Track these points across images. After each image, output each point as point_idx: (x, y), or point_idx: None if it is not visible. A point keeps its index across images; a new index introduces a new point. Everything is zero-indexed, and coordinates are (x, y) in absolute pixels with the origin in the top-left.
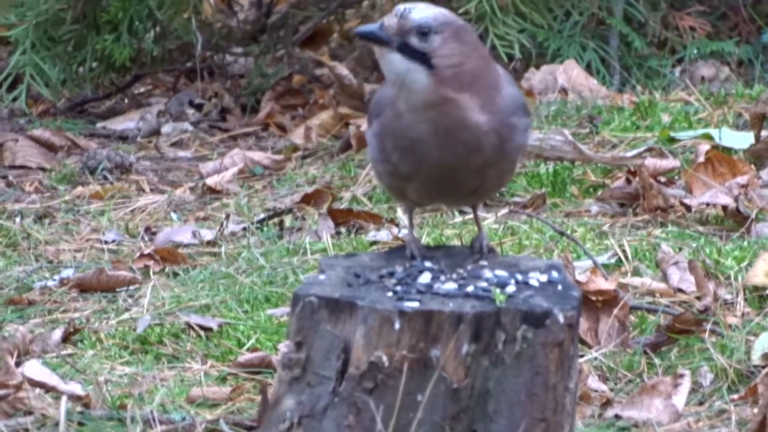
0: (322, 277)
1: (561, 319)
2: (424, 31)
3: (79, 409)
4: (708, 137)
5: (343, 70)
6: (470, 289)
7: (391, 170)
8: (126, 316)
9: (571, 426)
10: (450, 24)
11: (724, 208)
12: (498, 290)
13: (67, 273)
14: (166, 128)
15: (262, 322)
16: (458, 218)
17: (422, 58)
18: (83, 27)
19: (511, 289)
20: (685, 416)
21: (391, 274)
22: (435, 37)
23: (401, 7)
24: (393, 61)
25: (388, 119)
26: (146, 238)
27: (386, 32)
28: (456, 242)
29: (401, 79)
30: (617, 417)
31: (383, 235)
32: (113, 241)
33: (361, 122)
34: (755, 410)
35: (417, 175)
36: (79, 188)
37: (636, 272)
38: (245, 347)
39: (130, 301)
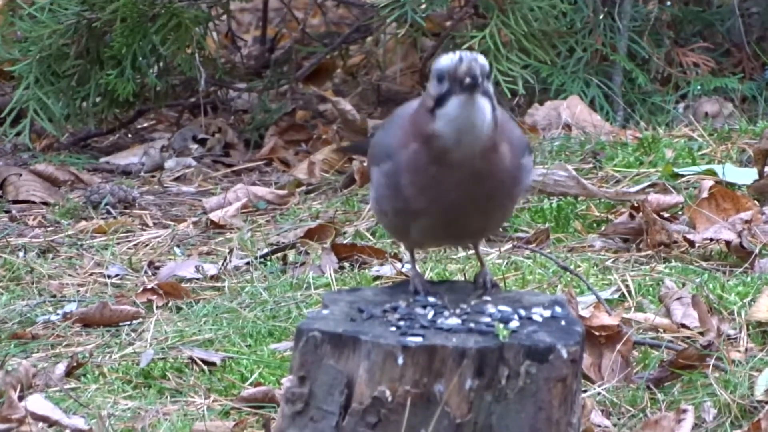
0: (325, 311)
1: (564, 354)
2: (488, 76)
3: None
4: (712, 173)
5: (346, 105)
6: (473, 324)
7: (399, 208)
8: (129, 350)
9: None
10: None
11: (728, 243)
12: (501, 325)
13: (71, 307)
14: (169, 163)
15: (265, 357)
16: (462, 253)
17: (492, 103)
18: (87, 62)
19: (514, 324)
20: None
21: (395, 309)
22: (490, 83)
23: (467, 53)
24: (480, 106)
25: (408, 159)
26: (149, 273)
27: (478, 75)
28: (459, 277)
29: (475, 124)
30: None
31: (387, 270)
32: (116, 276)
33: (364, 158)
34: None
35: (428, 215)
36: (83, 223)
37: (639, 307)
38: (248, 382)
39: (133, 335)
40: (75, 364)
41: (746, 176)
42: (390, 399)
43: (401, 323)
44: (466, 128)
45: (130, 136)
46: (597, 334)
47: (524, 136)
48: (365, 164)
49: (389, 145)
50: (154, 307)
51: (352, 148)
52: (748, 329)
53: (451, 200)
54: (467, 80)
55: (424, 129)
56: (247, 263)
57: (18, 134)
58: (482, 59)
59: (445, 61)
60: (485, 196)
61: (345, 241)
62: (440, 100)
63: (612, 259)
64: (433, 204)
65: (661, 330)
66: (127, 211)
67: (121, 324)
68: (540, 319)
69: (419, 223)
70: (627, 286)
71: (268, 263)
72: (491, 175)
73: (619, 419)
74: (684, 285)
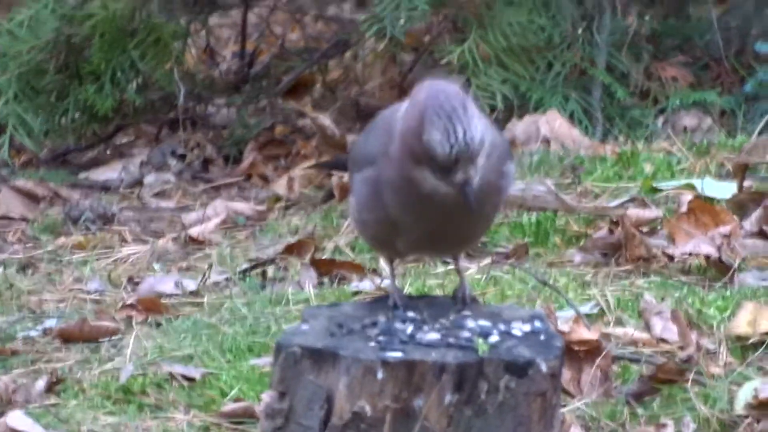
0: (304, 327)
1: (544, 368)
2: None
3: None
4: (691, 187)
5: (325, 120)
6: (453, 339)
7: (380, 218)
8: (109, 365)
9: None
10: (486, 140)
11: (707, 257)
12: (481, 340)
13: (50, 323)
14: (148, 178)
15: (245, 372)
16: (441, 268)
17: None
18: (66, 77)
19: (493, 338)
20: None
21: (374, 324)
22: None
23: (462, 142)
24: (470, 186)
25: (393, 174)
26: (129, 288)
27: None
28: (439, 292)
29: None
30: None
31: (366, 285)
32: (96, 291)
33: (343, 172)
34: None
35: (411, 227)
36: (62, 238)
37: (619, 322)
38: (228, 397)
39: (113, 351)
40: (55, 380)
41: (725, 190)
42: (370, 414)
43: (381, 338)
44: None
45: (109, 151)
46: (576, 348)
47: (506, 142)
48: (344, 179)
49: (372, 151)
50: (134, 323)
51: (330, 163)
52: (727, 343)
53: (436, 213)
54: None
55: (410, 170)
56: (227, 279)
57: None
58: (476, 143)
59: (441, 136)
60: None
61: (324, 257)
62: (443, 171)
63: (591, 274)
64: (416, 220)
65: (641, 344)
66: (107, 226)
67: (101, 339)
68: (519, 334)
69: (401, 234)
70: (606, 301)
71: (248, 279)
72: (485, 192)
73: None
74: (663, 299)
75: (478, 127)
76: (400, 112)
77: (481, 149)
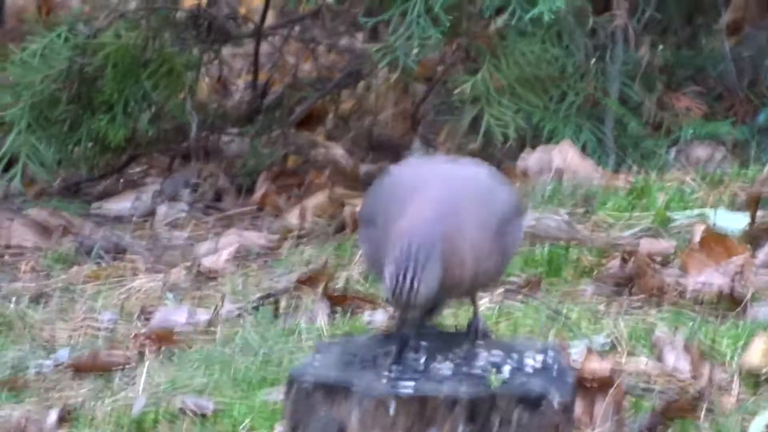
0: (317, 359)
1: (556, 402)
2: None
3: None
4: (704, 218)
5: (338, 151)
6: (465, 371)
7: (381, 274)
8: (121, 397)
9: None
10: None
11: (720, 289)
12: (493, 373)
13: (63, 354)
14: (161, 209)
15: (257, 405)
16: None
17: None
18: (78, 108)
19: (506, 371)
20: None
21: (387, 356)
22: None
23: (407, 285)
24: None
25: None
26: (141, 320)
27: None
28: (452, 324)
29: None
30: None
31: (379, 317)
32: (108, 322)
33: (356, 202)
34: None
35: None
36: (75, 269)
37: (631, 354)
38: (240, 429)
39: (125, 382)
40: (67, 412)
41: (738, 221)
42: None
43: (393, 370)
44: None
45: (121, 181)
46: (589, 381)
47: (512, 198)
48: (357, 209)
49: (374, 213)
50: (146, 354)
51: None
52: (740, 376)
53: None
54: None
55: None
56: (239, 310)
57: (10, 180)
58: (419, 299)
59: (388, 286)
60: (470, 279)
61: (337, 288)
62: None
63: (604, 305)
64: None
65: (654, 377)
66: (119, 257)
67: (113, 371)
68: (532, 367)
69: None
70: (619, 333)
71: (260, 310)
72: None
73: None
74: (676, 331)
75: (429, 284)
76: (406, 193)
77: (423, 304)
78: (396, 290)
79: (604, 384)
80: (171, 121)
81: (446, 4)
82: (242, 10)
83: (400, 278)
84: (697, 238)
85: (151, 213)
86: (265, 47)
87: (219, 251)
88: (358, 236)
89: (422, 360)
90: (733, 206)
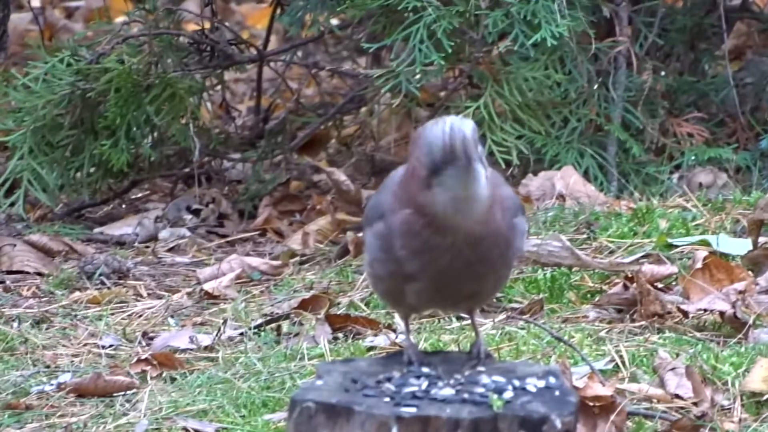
0: (319, 382)
1: (558, 425)
2: (477, 141)
3: None
4: (706, 243)
5: (340, 175)
6: (467, 394)
7: (393, 270)
8: (123, 421)
9: None
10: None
11: (722, 314)
12: (495, 396)
13: (65, 378)
14: (163, 233)
15: (259, 428)
16: (456, 323)
17: (485, 170)
18: (81, 132)
19: (508, 394)
20: None
21: (389, 380)
22: (479, 145)
23: (455, 121)
24: (477, 176)
25: (401, 223)
26: (143, 343)
27: (469, 147)
28: (453, 348)
29: (474, 195)
30: None
31: (381, 340)
32: (110, 346)
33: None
34: None
35: (422, 276)
36: (77, 293)
37: (633, 378)
38: None
39: (127, 405)
40: None
41: (740, 247)
42: None
43: (395, 394)
44: (464, 200)
45: (124, 206)
46: (591, 404)
47: (515, 197)
48: (359, 235)
49: (382, 207)
50: (149, 378)
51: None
52: (742, 400)
53: (445, 263)
54: (461, 155)
55: (418, 197)
56: (241, 334)
57: (12, 204)
58: (470, 127)
59: (436, 131)
60: (478, 258)
61: (339, 312)
62: (434, 171)
63: (606, 330)
64: (426, 267)
65: (655, 400)
66: (122, 281)
67: (115, 394)
68: (534, 390)
69: (413, 287)
70: (621, 357)
71: (262, 334)
72: (484, 238)
73: None
74: (678, 355)
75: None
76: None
77: (476, 136)
78: (450, 136)
79: (606, 407)
80: (173, 145)
81: (448, 30)
82: (245, 35)
83: (446, 129)
84: (699, 263)
85: (154, 237)
86: (267, 72)
87: (221, 275)
88: (365, 244)
89: (424, 383)
90: (735, 232)
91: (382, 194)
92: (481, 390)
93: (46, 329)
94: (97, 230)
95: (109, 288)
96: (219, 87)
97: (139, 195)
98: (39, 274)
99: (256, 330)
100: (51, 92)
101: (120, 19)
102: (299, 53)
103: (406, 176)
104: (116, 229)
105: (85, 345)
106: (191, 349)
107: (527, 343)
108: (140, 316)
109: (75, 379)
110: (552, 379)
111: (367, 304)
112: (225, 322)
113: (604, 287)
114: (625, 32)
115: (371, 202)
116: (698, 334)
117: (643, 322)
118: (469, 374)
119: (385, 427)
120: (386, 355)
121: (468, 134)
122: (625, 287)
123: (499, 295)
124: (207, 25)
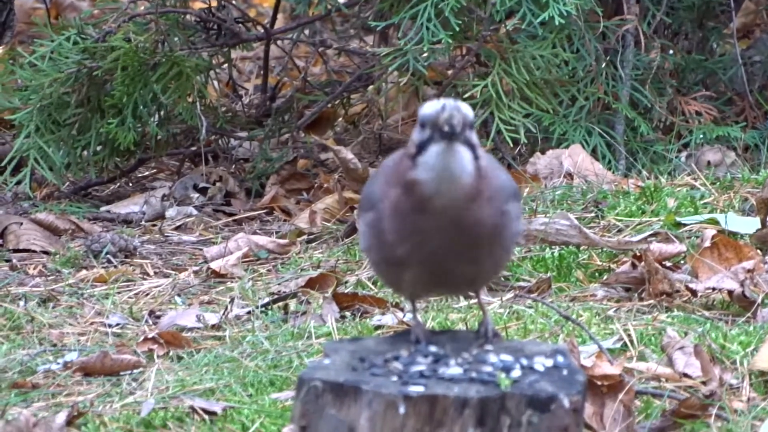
0: (326, 361)
1: (566, 403)
2: (471, 126)
3: None
4: (714, 222)
5: (348, 154)
6: (475, 373)
7: (385, 257)
8: (130, 399)
9: None
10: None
11: (730, 293)
12: (503, 375)
13: (71, 356)
14: (170, 212)
15: (266, 406)
16: (463, 303)
17: (474, 152)
18: (87, 111)
19: (516, 373)
20: None
21: (396, 359)
22: (474, 132)
23: (451, 102)
24: (459, 154)
25: (390, 206)
26: (150, 322)
27: (457, 124)
28: (461, 327)
29: (454, 172)
30: None
31: (388, 319)
32: (117, 325)
33: None
34: None
35: (413, 261)
36: (83, 272)
37: (641, 357)
38: (249, 431)
39: (134, 384)
40: (76, 413)
41: (749, 225)
42: None
43: (403, 373)
44: (444, 176)
45: (130, 184)
46: (599, 383)
47: (512, 182)
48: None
49: (373, 195)
50: (155, 357)
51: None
52: (750, 378)
53: (434, 247)
54: (446, 128)
55: (406, 175)
56: (248, 312)
57: (18, 183)
58: (465, 108)
59: (429, 108)
60: (467, 243)
61: (346, 291)
62: (421, 147)
63: (614, 309)
64: (416, 251)
65: (664, 379)
66: (128, 260)
67: (121, 373)
68: (542, 369)
69: (407, 273)
70: (629, 336)
71: (269, 312)
72: (471, 223)
73: None
74: (686, 334)
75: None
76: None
77: (470, 119)
78: (443, 106)
79: (614, 386)
80: (180, 124)
81: (456, 8)
82: (252, 13)
83: (445, 104)
84: (707, 242)
85: (160, 216)
86: (274, 50)
87: (228, 254)
88: (360, 233)
89: (432, 362)
90: (744, 210)
91: (374, 183)
92: (488, 369)
93: (53, 308)
94: (103, 209)
95: (115, 266)
96: (226, 65)
97: (146, 173)
98: (45, 252)
99: (263, 309)
100: (57, 71)
101: None
102: (306, 31)
103: (401, 156)
104: (123, 208)
105: (92, 324)
106: (198, 328)
107: (535, 321)
108: (147, 294)
109: (81, 357)
110: (560, 358)
111: (374, 283)
112: (232, 300)
113: (612, 266)
114: (633, 10)
115: (364, 192)
116: (707, 313)
117: (651, 301)
118: (477, 353)
119: (393, 406)
120: (394, 333)
121: (459, 112)
122: (633, 266)
123: (506, 273)
124: (214, 3)
